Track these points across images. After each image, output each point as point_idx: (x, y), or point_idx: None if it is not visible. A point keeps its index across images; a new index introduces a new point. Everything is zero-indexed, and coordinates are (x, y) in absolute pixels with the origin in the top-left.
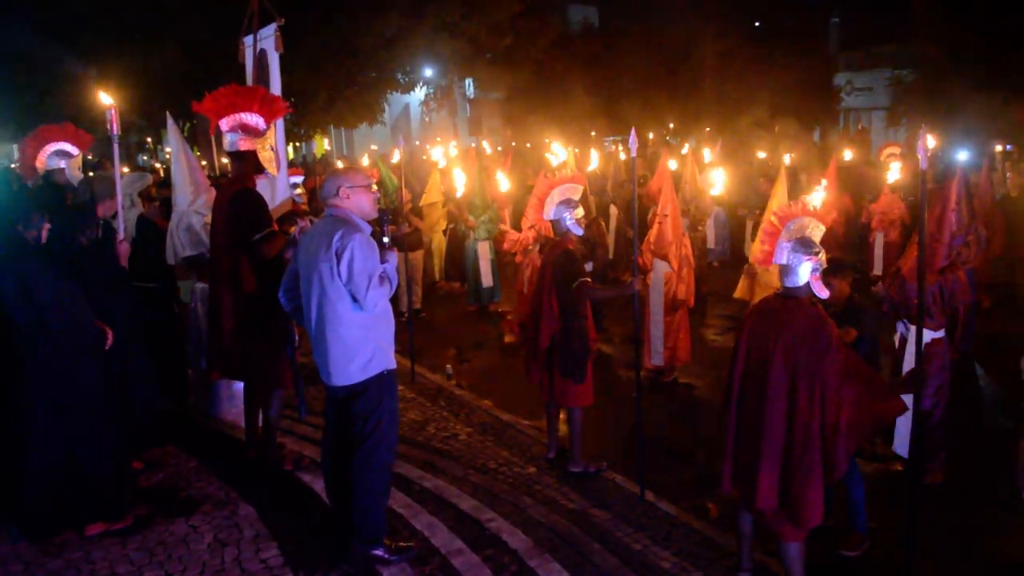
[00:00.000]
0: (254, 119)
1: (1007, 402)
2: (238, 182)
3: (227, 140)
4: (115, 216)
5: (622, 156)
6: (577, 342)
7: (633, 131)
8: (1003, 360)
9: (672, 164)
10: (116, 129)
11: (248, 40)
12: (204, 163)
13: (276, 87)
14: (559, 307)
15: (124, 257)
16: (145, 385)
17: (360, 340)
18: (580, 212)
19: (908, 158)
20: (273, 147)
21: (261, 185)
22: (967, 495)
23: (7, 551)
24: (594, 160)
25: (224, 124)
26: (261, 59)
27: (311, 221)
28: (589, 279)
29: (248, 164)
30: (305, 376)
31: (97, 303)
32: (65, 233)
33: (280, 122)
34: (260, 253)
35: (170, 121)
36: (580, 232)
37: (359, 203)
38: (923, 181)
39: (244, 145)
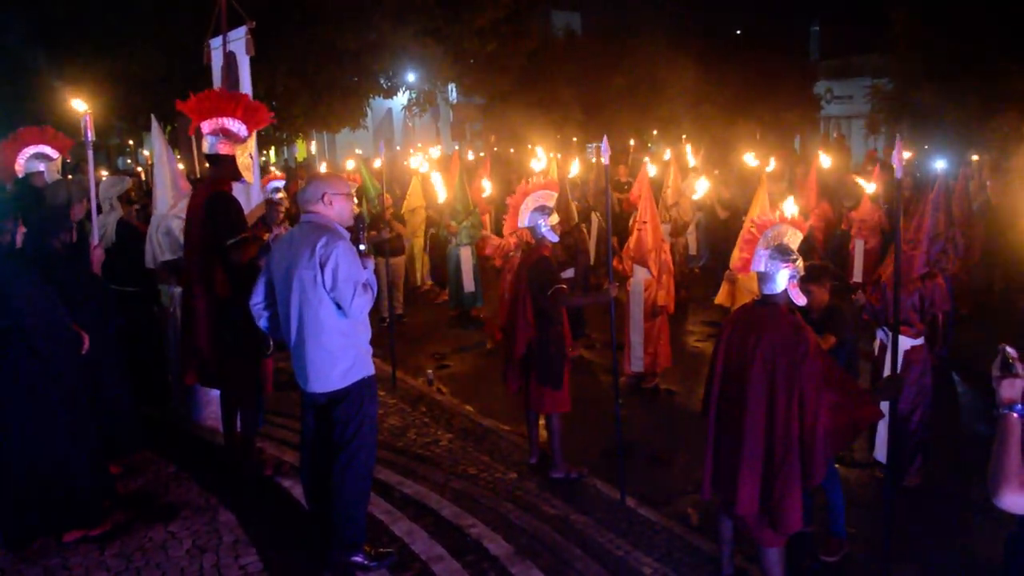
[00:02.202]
0: (236, 125)
1: (983, 408)
2: (214, 185)
3: (207, 143)
4: (89, 220)
5: (604, 162)
6: (553, 349)
7: (605, 138)
8: (980, 366)
9: (652, 170)
10: (91, 135)
11: (215, 42)
12: (182, 166)
13: (246, 90)
14: (534, 314)
15: (98, 263)
16: (119, 390)
17: (341, 347)
18: (555, 219)
19: (887, 166)
20: (251, 154)
21: (238, 191)
22: (944, 500)
23: None
24: (575, 166)
25: (206, 126)
26: (230, 61)
27: (287, 228)
28: (564, 286)
29: (226, 168)
30: (283, 382)
31: (70, 307)
32: (37, 236)
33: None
34: (234, 258)
35: (154, 124)
36: (555, 238)
37: (341, 210)
38: (899, 190)
39: (224, 149)
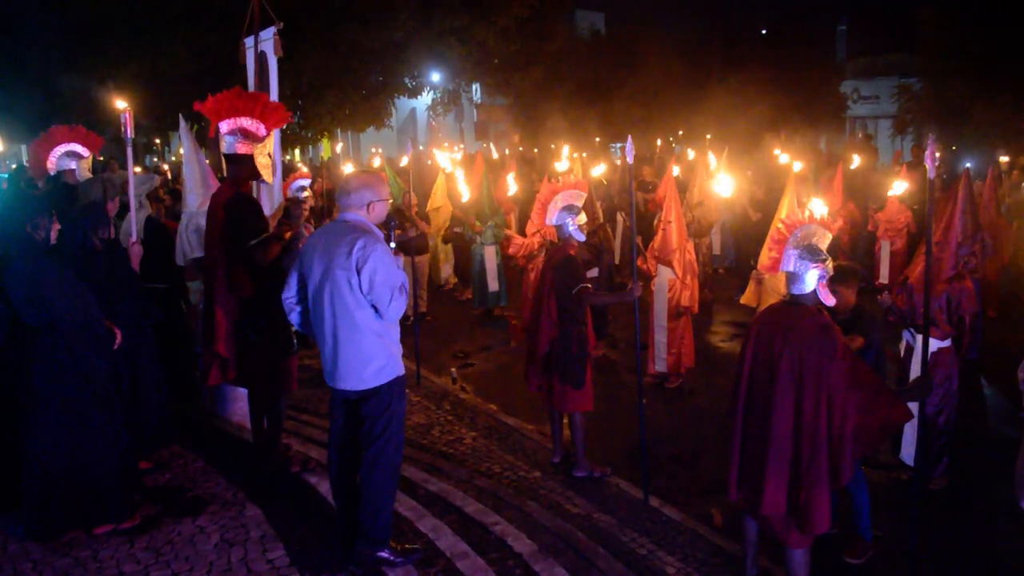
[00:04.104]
0: (254, 124)
1: (1011, 411)
2: (233, 186)
3: (225, 143)
4: (125, 217)
5: (629, 161)
6: (575, 348)
7: (629, 138)
8: (1007, 369)
9: (675, 171)
10: (130, 132)
11: (249, 42)
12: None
13: (274, 90)
14: (558, 312)
15: (136, 259)
16: (155, 386)
17: (375, 347)
18: (583, 218)
19: (916, 165)
20: (270, 154)
21: (262, 192)
22: (970, 503)
23: (16, 549)
24: (599, 166)
25: (224, 126)
26: (261, 61)
27: (310, 228)
28: (589, 285)
29: (244, 168)
30: (309, 379)
31: (107, 303)
32: (77, 233)
33: (277, 130)
34: (256, 259)
35: (182, 123)
36: (582, 238)
37: (379, 214)
38: (931, 190)
39: (242, 149)
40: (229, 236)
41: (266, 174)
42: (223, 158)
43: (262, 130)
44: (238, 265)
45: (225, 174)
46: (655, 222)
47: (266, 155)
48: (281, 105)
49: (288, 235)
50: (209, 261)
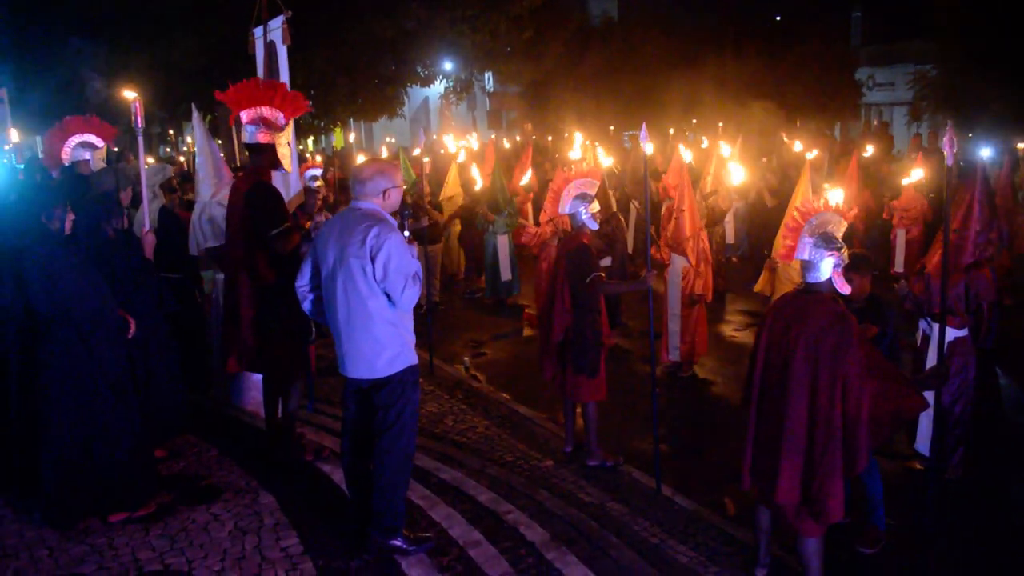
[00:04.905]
0: (274, 113)
1: None
2: (254, 175)
3: (246, 132)
4: (139, 206)
5: (647, 149)
6: (589, 336)
7: (644, 125)
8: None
9: (687, 156)
10: (140, 123)
11: (258, 31)
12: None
13: (285, 79)
14: (572, 301)
15: (150, 248)
16: (169, 374)
17: (389, 336)
18: (596, 206)
19: (931, 152)
20: (290, 143)
21: (277, 181)
22: (985, 493)
23: (33, 536)
24: (607, 155)
25: (244, 116)
26: (271, 51)
27: (326, 216)
28: (603, 273)
29: (265, 157)
30: (323, 368)
31: (122, 293)
32: (91, 223)
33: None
34: (277, 248)
35: (195, 113)
36: (595, 226)
37: (394, 202)
38: (948, 178)
39: (263, 138)
40: (250, 224)
41: (286, 163)
42: (245, 148)
43: (281, 119)
44: (258, 253)
45: (239, 164)
46: (662, 210)
47: (286, 144)
48: (300, 94)
49: (307, 225)
50: (231, 249)
